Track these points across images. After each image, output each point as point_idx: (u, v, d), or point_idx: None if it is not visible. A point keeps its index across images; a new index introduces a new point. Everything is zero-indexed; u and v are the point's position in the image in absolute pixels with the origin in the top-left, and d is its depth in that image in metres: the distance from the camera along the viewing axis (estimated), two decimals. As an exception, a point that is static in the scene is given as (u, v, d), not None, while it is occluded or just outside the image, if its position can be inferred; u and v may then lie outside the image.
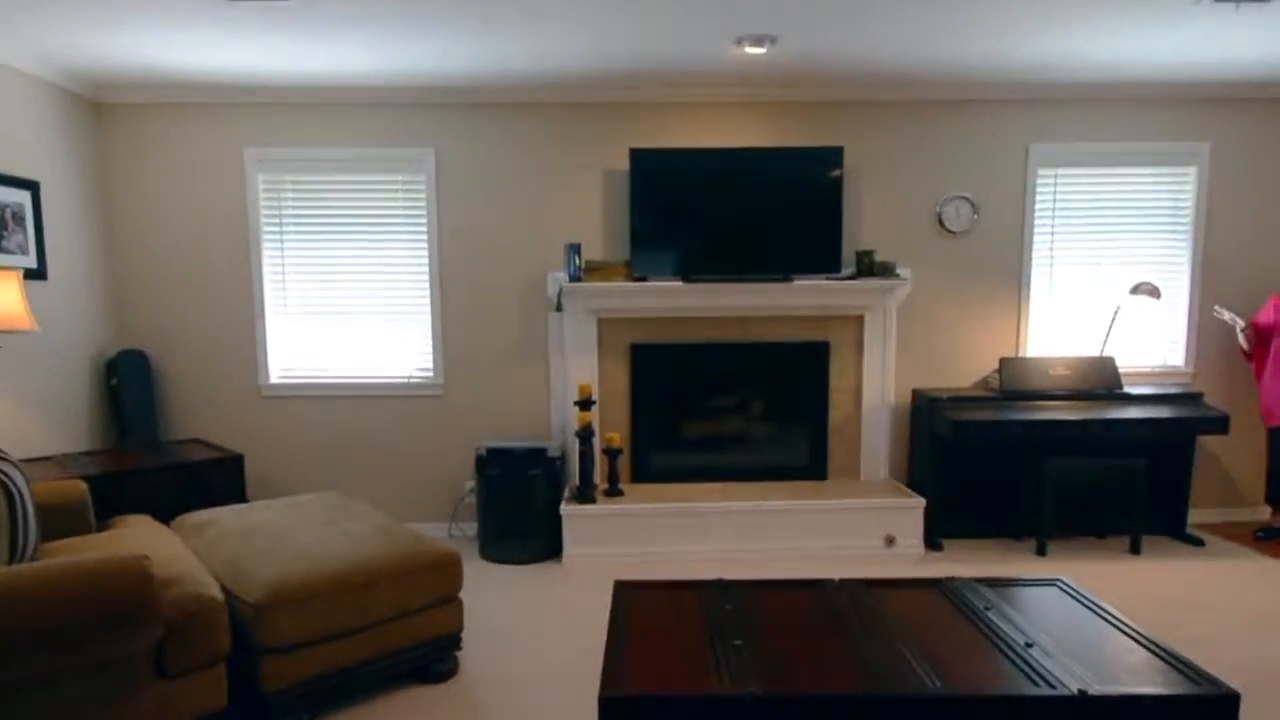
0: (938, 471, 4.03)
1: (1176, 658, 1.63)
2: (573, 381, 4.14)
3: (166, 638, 2.03)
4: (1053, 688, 1.48)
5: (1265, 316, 3.97)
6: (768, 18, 2.98)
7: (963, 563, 3.76)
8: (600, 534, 3.81)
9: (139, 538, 2.61)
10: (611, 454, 3.97)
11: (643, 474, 4.25)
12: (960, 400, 3.89)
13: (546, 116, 4.09)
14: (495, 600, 3.38)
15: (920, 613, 1.87)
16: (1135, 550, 3.87)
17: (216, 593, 2.17)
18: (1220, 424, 3.78)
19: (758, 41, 3.19)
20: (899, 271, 4.11)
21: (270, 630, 2.22)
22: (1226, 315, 4.00)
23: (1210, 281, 4.23)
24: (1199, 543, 3.98)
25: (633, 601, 1.95)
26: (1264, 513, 4.34)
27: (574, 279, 3.93)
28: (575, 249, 3.89)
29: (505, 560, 3.86)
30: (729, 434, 4.31)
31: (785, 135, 4.11)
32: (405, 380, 4.21)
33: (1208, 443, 4.29)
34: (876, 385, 4.21)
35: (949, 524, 4.10)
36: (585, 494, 3.88)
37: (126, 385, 3.93)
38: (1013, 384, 3.97)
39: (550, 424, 4.26)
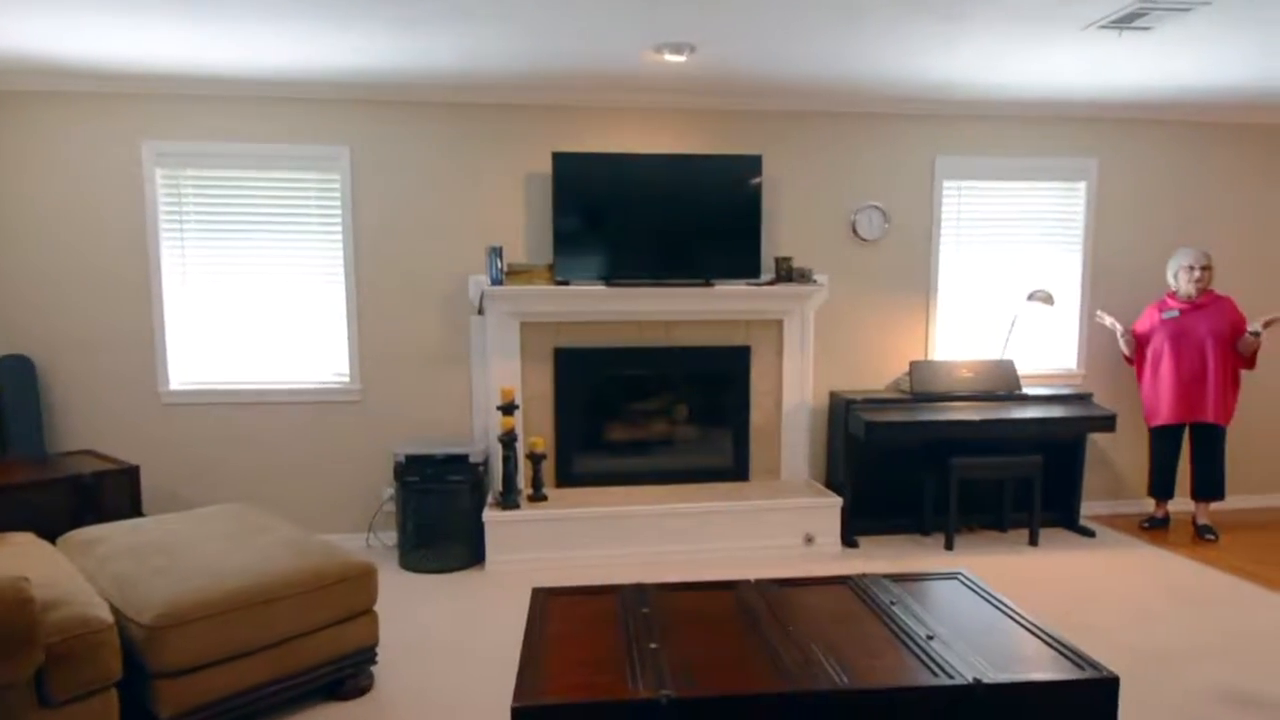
0: (853, 471, 4.17)
1: (1063, 645, 1.73)
2: (496, 386, 4.08)
3: (48, 664, 1.89)
4: (950, 677, 1.56)
5: (1143, 325, 4.27)
6: (686, 27, 3.02)
7: (877, 558, 3.90)
8: (524, 540, 3.78)
9: (20, 558, 2.43)
10: (535, 459, 3.94)
11: (567, 478, 4.23)
12: (873, 402, 4.03)
13: (467, 116, 4.02)
14: (415, 611, 3.30)
15: (830, 609, 1.93)
16: (1034, 542, 4.10)
17: (105, 614, 2.04)
18: (1108, 422, 4.05)
19: (677, 50, 3.23)
20: (816, 277, 4.24)
21: (164, 653, 2.10)
22: (1107, 320, 4.28)
23: (1099, 289, 4.53)
24: (1090, 534, 4.25)
25: (549, 608, 1.94)
26: (1148, 504, 4.67)
27: (496, 282, 3.88)
28: (497, 252, 3.84)
29: (426, 570, 3.77)
30: (653, 437, 4.35)
31: (706, 143, 4.18)
32: (320, 385, 4.06)
33: (1098, 440, 4.58)
34: (796, 388, 4.32)
35: (865, 521, 4.24)
36: (509, 500, 3.84)
37: (9, 393, 3.65)
38: (922, 386, 4.15)
39: (473, 429, 4.19)
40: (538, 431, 4.16)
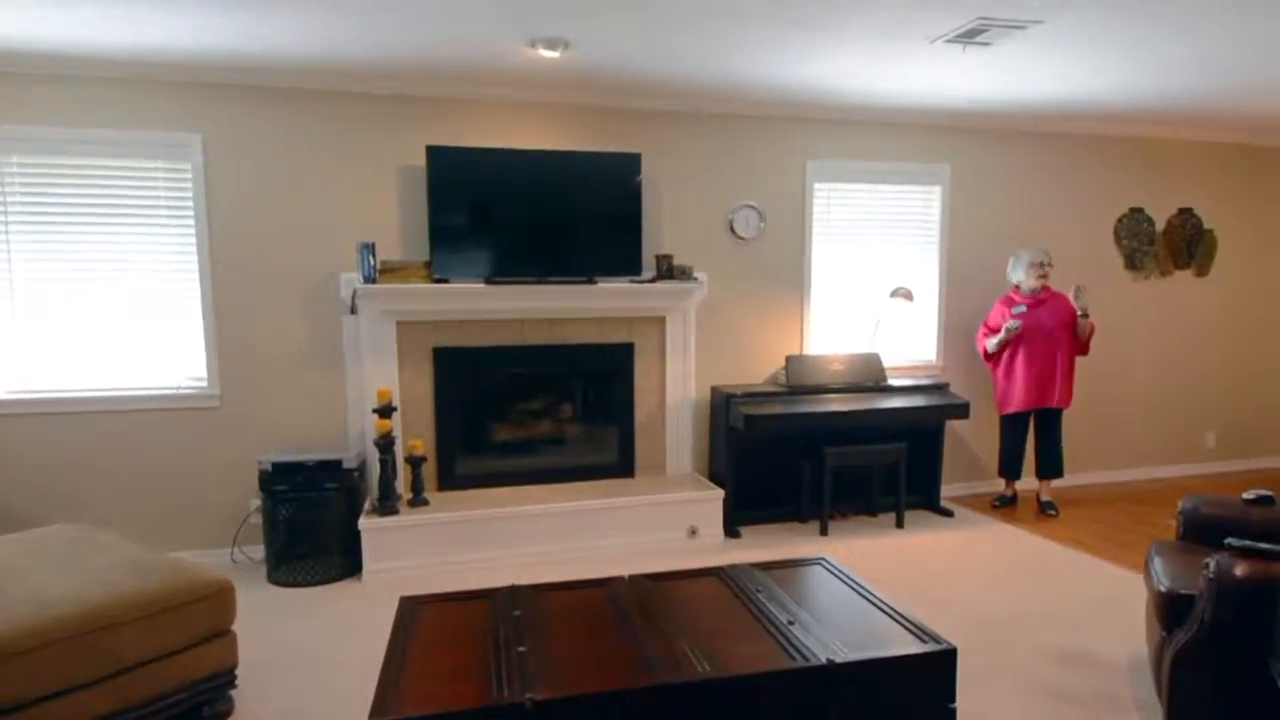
0: (734, 463, 4.30)
1: (910, 621, 1.85)
2: (371, 388, 3.92)
3: None
4: (806, 660, 1.63)
5: (996, 320, 4.61)
6: (559, 23, 3.00)
7: (757, 547, 4.04)
8: (404, 547, 3.65)
9: None
10: (415, 462, 3.82)
11: (450, 481, 4.12)
12: (752, 396, 4.17)
13: (335, 105, 3.84)
14: (284, 628, 3.12)
15: (700, 601, 1.98)
16: (899, 524, 4.37)
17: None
18: (963, 410, 4.37)
19: (551, 45, 3.21)
20: (696, 275, 4.33)
21: (-20, 692, 1.89)
22: (1075, 295, 4.43)
23: (954, 285, 4.87)
24: (949, 514, 4.57)
25: (417, 617, 1.89)
26: (999, 484, 5.07)
27: (369, 280, 3.72)
28: (369, 248, 3.69)
29: (298, 583, 3.58)
30: (539, 436, 4.31)
31: (587, 140, 4.18)
32: (172, 391, 3.77)
33: (954, 426, 4.93)
34: (679, 383, 4.40)
35: (747, 511, 4.38)
36: (387, 506, 3.70)
37: None
38: (797, 379, 4.32)
39: (348, 434, 4.01)
40: (417, 434, 4.03)
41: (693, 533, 4.06)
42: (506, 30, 3.08)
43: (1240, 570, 1.99)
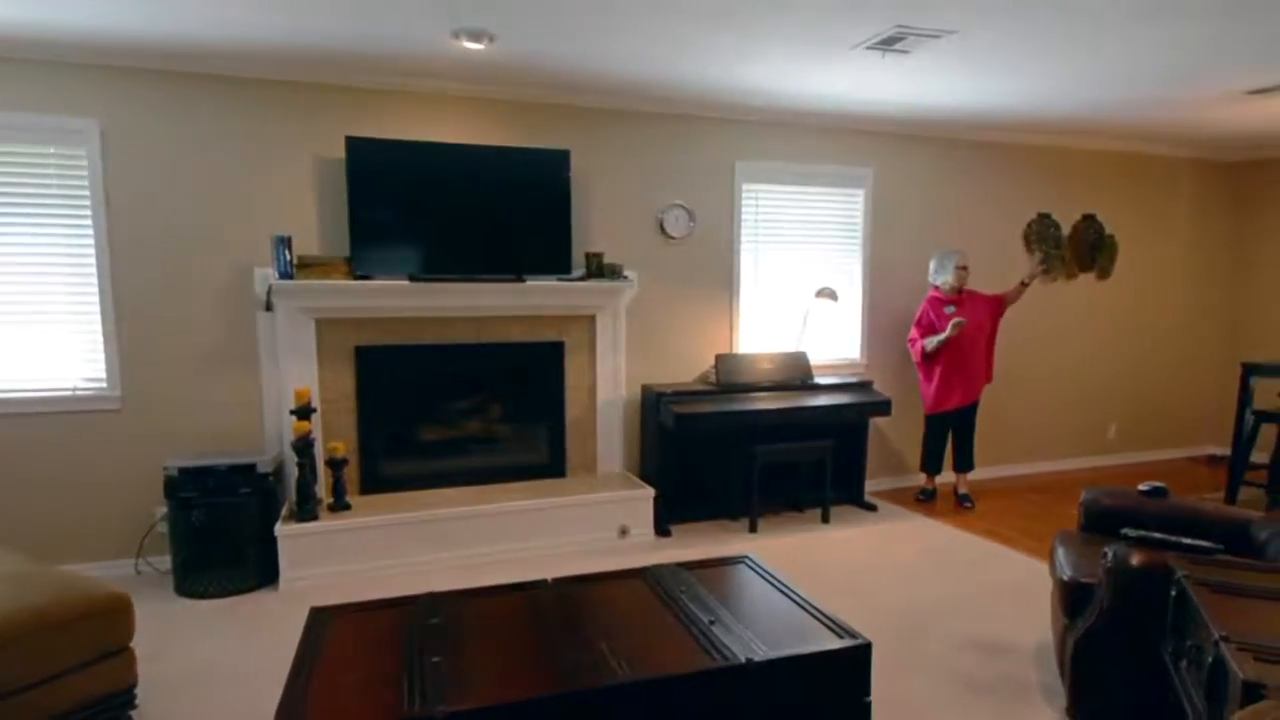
0: (665, 461, 4.31)
1: (828, 617, 1.89)
2: (289, 388, 3.76)
3: None
4: (726, 659, 1.64)
5: (927, 320, 4.74)
6: (481, 13, 2.93)
7: (687, 546, 4.06)
8: (325, 553, 3.52)
9: None
10: (335, 465, 3.69)
11: (375, 484, 4.00)
12: (682, 394, 4.18)
13: (248, 92, 3.66)
14: (192, 642, 2.96)
15: (624, 604, 1.96)
16: (826, 519, 4.47)
17: None
18: (885, 407, 4.49)
19: (475, 37, 3.14)
20: (626, 273, 4.31)
21: None
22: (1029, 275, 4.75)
23: (877, 286, 5.00)
24: (873, 508, 4.70)
25: (328, 628, 1.81)
26: (920, 478, 5.24)
27: (285, 276, 3.57)
28: (284, 242, 3.53)
29: (208, 594, 3.41)
30: (468, 436, 4.23)
31: (514, 135, 4.11)
32: (68, 393, 3.53)
33: (877, 423, 5.08)
34: (609, 382, 4.38)
35: (677, 510, 4.40)
36: (306, 511, 3.56)
37: None
38: (727, 378, 4.36)
39: (264, 436, 3.84)
40: (339, 436, 3.89)
41: (624, 532, 4.05)
42: (429, 20, 3.00)
43: (1135, 559, 2.10)
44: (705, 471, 4.48)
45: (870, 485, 5.08)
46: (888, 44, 3.26)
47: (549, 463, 4.33)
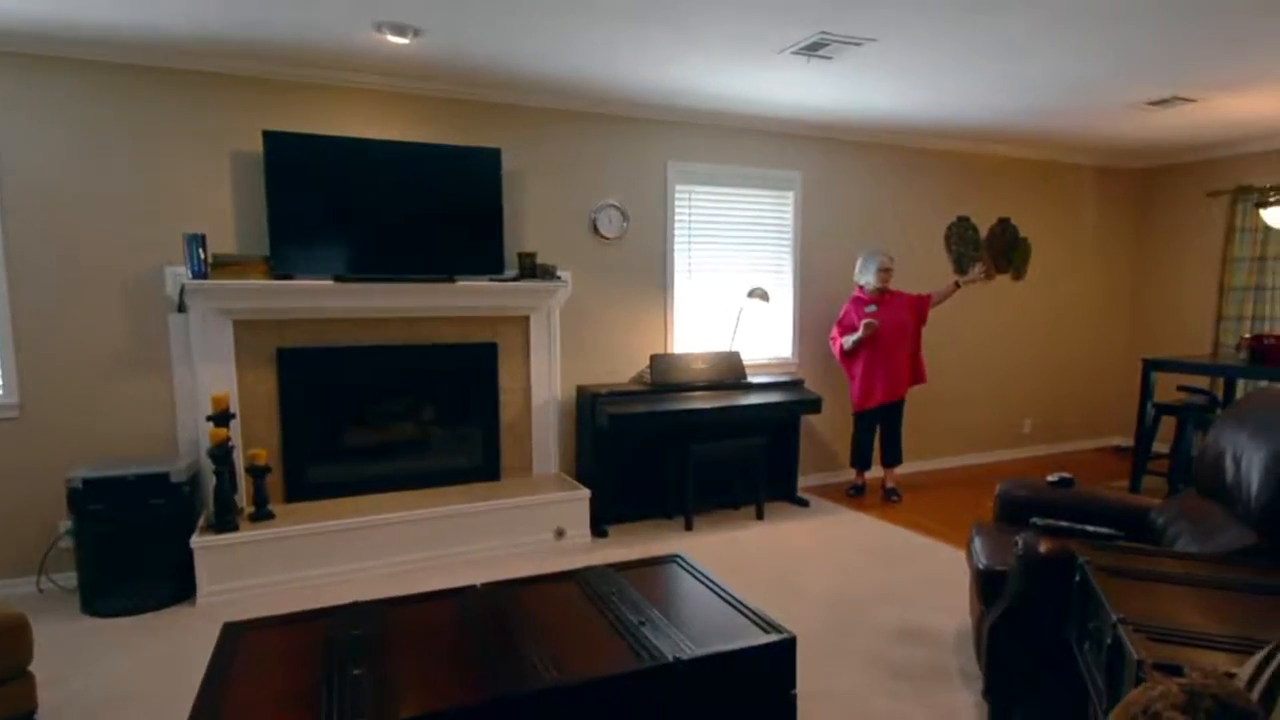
0: (601, 462, 4.30)
1: (755, 613, 1.92)
2: (205, 393, 3.60)
3: None
4: (654, 659, 1.64)
5: (849, 319, 4.87)
6: (405, 6, 2.87)
7: (623, 546, 4.06)
8: (246, 565, 3.38)
9: None
10: (257, 473, 3.55)
11: (301, 492, 3.87)
12: (616, 395, 4.19)
13: (157, 83, 3.48)
14: (100, 663, 2.80)
15: (555, 607, 1.95)
16: (759, 516, 4.54)
17: None
18: (816, 405, 4.60)
19: (399, 30, 3.07)
20: (560, 274, 4.29)
21: None
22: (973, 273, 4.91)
23: (807, 287, 5.12)
24: (806, 504, 4.81)
25: (242, 644, 1.74)
26: (850, 474, 5.39)
27: (199, 275, 3.41)
28: (198, 240, 3.38)
29: (118, 612, 3.23)
30: (399, 440, 4.13)
31: (445, 133, 4.03)
32: (-42, 402, 3.29)
33: (809, 420, 5.19)
34: (544, 384, 4.35)
35: (614, 510, 4.40)
36: (225, 521, 3.41)
37: None
38: (661, 378, 4.39)
39: (179, 444, 3.66)
40: (261, 442, 3.75)
41: (560, 534, 4.03)
42: (347, 11, 2.91)
43: (1043, 547, 2.20)
44: (641, 471, 4.50)
45: (803, 481, 5.19)
46: (812, 50, 3.33)
47: (483, 466, 4.27)
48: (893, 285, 5.00)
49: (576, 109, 4.31)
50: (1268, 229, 5.28)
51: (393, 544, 3.66)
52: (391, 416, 4.11)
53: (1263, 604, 1.75)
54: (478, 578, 3.52)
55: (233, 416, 3.49)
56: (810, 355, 5.18)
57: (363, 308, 3.82)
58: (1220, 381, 4.99)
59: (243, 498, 3.70)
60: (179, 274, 3.54)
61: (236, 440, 3.68)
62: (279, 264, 3.60)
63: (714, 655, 1.68)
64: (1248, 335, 4.55)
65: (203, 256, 3.40)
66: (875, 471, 5.33)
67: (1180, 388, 4.91)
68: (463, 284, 3.91)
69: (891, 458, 4.98)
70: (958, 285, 4.91)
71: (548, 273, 4.14)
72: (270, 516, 3.59)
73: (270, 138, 3.52)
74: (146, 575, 3.26)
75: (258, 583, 3.41)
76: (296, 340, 3.78)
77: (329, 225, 3.68)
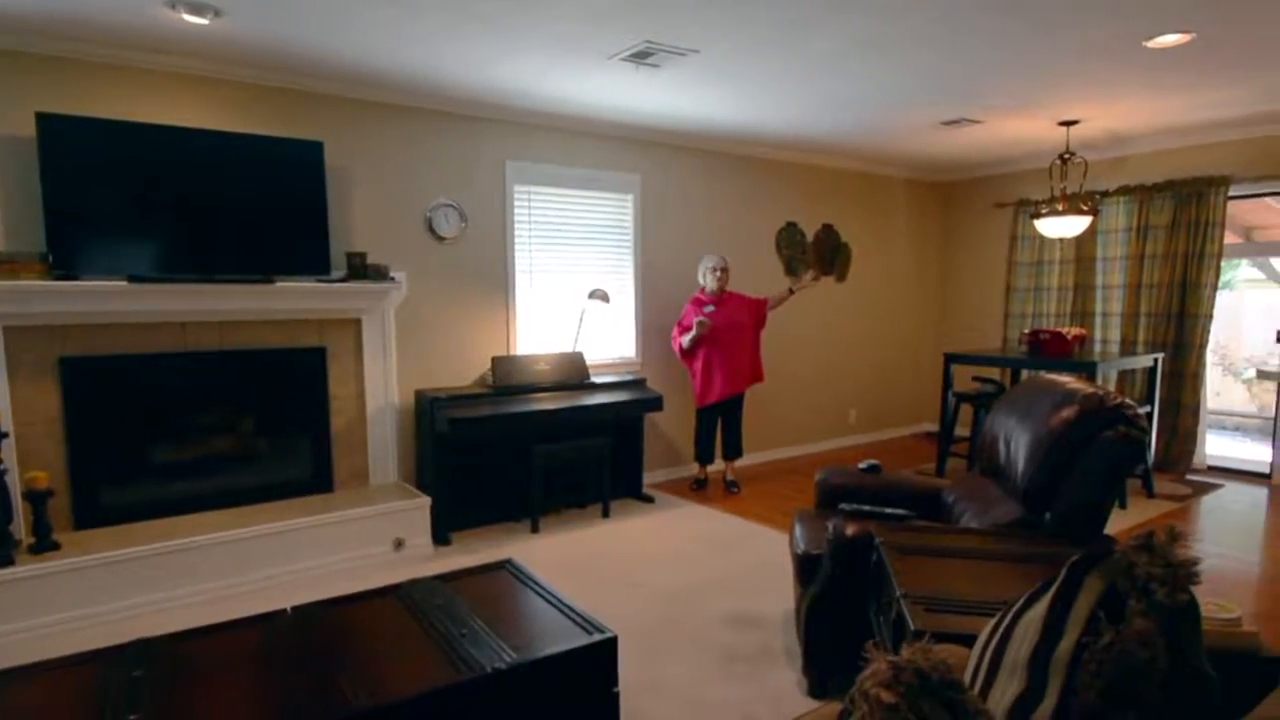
0: (443, 468, 4.18)
1: (580, 615, 1.94)
2: (-33, 412, 3.14)
3: None
4: (472, 671, 1.62)
5: (688, 319, 5.04)
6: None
7: (469, 552, 3.97)
8: (27, 604, 2.99)
9: None
10: (37, 498, 3.14)
11: (96, 517, 3.46)
12: (457, 399, 4.09)
13: (-106, 53, 2.99)
14: None
15: (371, 626, 1.87)
16: (606, 514, 4.60)
17: None
18: (658, 403, 4.72)
19: (197, 10, 2.81)
20: (393, 275, 4.11)
21: None
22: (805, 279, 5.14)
23: (649, 288, 5.24)
24: (651, 500, 4.92)
25: (3, 696, 1.53)
26: (694, 468, 5.58)
27: (-44, 277, 2.96)
28: (-47, 237, 2.93)
29: None
30: (218, 455, 3.80)
31: (263, 123, 3.75)
32: None
33: (652, 417, 5.32)
34: (380, 389, 4.16)
35: (457, 517, 4.28)
36: (-5, 556, 2.99)
37: None
38: (504, 380, 4.33)
39: (-67, 471, 3.16)
40: (40, 464, 3.32)
41: (399, 545, 3.88)
42: (139, -14, 2.64)
43: (849, 530, 2.39)
44: (486, 475, 4.42)
45: (648, 478, 5.31)
46: (640, 57, 3.41)
47: (314, 477, 4.03)
48: (730, 287, 5.23)
49: (408, 104, 4.15)
50: (1043, 237, 6.03)
51: (211, 568, 3.36)
52: (206, 430, 3.78)
53: (1020, 570, 2.00)
54: (309, 598, 3.31)
55: (4, 436, 3.07)
56: (653, 354, 5.31)
57: (164, 311, 3.48)
58: (1008, 372, 5.64)
59: (21, 528, 3.27)
60: (-72, 274, 3.05)
61: (10, 463, 3.24)
62: (59, 263, 3.20)
63: (532, 661, 1.68)
64: (1028, 331, 5.18)
65: (-42, 254, 2.95)
66: (718, 465, 5.56)
67: (975, 378, 5.50)
68: (283, 285, 3.66)
69: (732, 451, 5.21)
70: (791, 291, 5.22)
71: (379, 273, 3.96)
72: (55, 547, 3.19)
73: (45, 121, 3.11)
74: (-110, 626, 2.80)
75: (41, 623, 3.02)
76: (85, 348, 3.38)
77: (123, 220, 3.32)
